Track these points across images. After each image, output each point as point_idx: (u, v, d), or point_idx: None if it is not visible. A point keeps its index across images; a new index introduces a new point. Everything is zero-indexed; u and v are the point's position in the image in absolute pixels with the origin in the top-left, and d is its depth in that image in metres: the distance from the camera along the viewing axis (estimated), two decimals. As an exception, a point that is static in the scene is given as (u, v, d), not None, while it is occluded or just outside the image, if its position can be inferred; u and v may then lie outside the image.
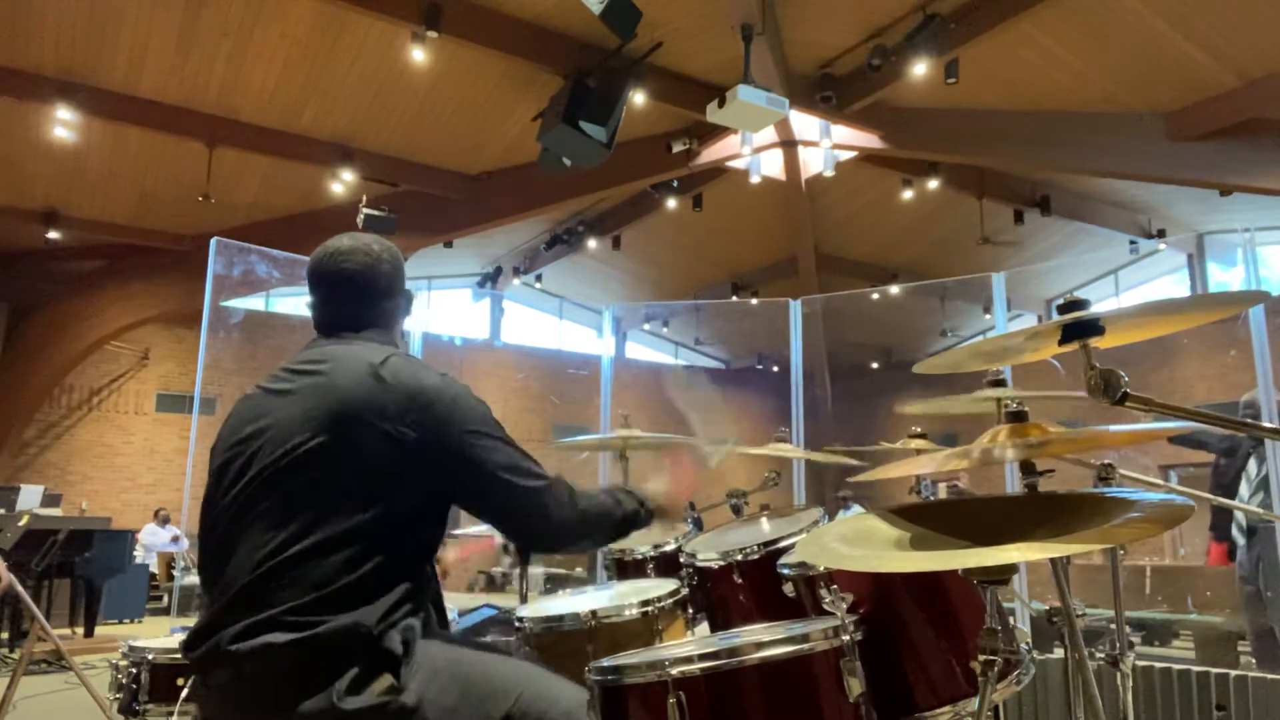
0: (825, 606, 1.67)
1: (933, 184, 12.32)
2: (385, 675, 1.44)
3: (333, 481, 1.52)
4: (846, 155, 11.43)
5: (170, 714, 2.49)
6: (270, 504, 1.53)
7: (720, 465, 2.19)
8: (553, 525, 1.66)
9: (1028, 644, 1.91)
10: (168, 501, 12.90)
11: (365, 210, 10.29)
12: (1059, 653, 3.30)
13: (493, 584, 13.93)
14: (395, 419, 1.54)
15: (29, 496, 8.23)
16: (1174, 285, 16.36)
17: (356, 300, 1.75)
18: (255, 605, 1.45)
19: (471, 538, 2.26)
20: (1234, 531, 5.00)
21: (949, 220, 13.75)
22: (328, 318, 1.76)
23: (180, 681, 2.50)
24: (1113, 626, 1.95)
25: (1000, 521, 1.43)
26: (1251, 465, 4.87)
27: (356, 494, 1.51)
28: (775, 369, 19.50)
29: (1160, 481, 1.98)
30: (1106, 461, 1.82)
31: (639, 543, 2.59)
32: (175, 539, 11.54)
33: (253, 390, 1.72)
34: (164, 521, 11.90)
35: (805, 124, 11.21)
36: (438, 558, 1.74)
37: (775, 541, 2.05)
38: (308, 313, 1.82)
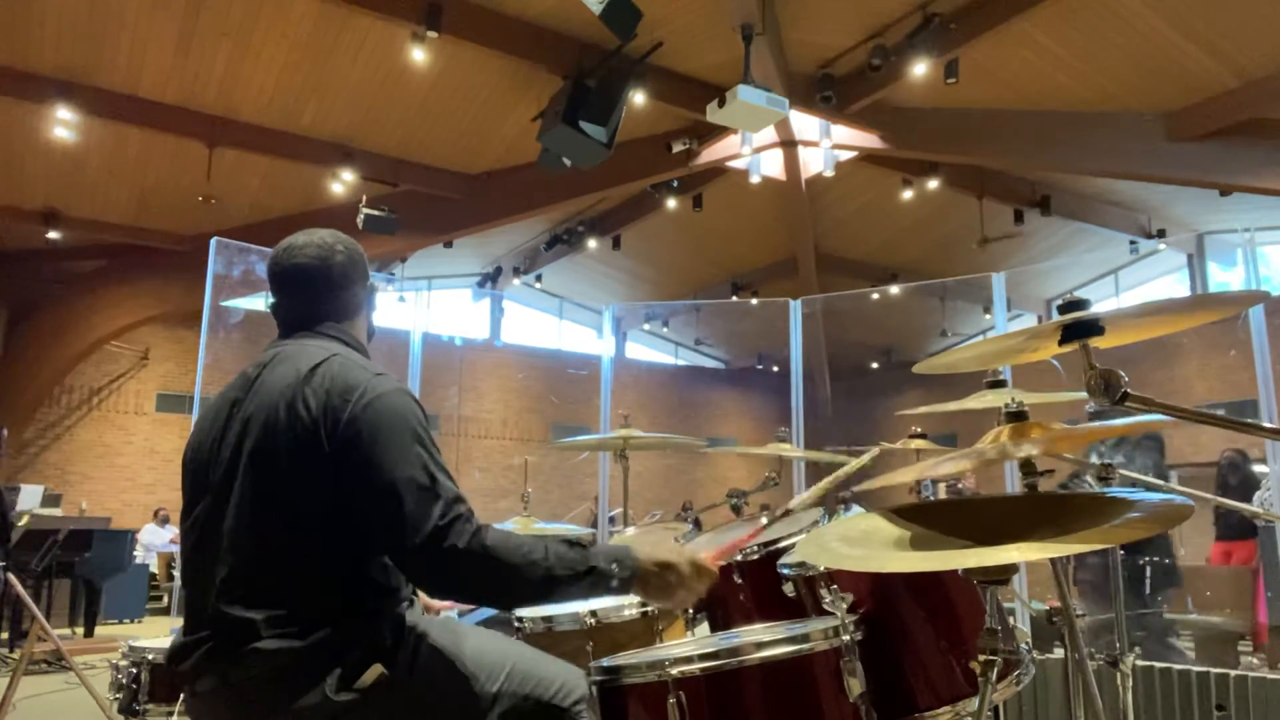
0: (825, 606, 1.67)
1: (933, 184, 12.31)
2: (376, 665, 1.44)
3: (281, 486, 1.49)
4: (846, 155, 11.42)
5: (170, 714, 2.49)
6: (232, 514, 1.50)
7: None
8: (444, 550, 1.40)
9: (1028, 644, 1.91)
10: (168, 501, 12.89)
11: (365, 210, 10.28)
12: (1059, 653, 3.29)
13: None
14: (314, 417, 1.48)
15: (29, 496, 8.24)
16: (1174, 285, 16.35)
17: (311, 294, 1.70)
18: (234, 617, 1.44)
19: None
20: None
21: (949, 220, 13.75)
22: (285, 315, 1.71)
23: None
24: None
25: (1000, 521, 1.43)
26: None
27: (303, 496, 1.47)
28: (775, 369, 19.51)
29: (1160, 481, 1.97)
30: (1106, 461, 1.81)
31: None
32: (175, 539, 11.53)
33: (214, 397, 1.67)
34: (164, 521, 11.90)
35: (805, 124, 11.21)
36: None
37: (775, 541, 2.05)
38: None
